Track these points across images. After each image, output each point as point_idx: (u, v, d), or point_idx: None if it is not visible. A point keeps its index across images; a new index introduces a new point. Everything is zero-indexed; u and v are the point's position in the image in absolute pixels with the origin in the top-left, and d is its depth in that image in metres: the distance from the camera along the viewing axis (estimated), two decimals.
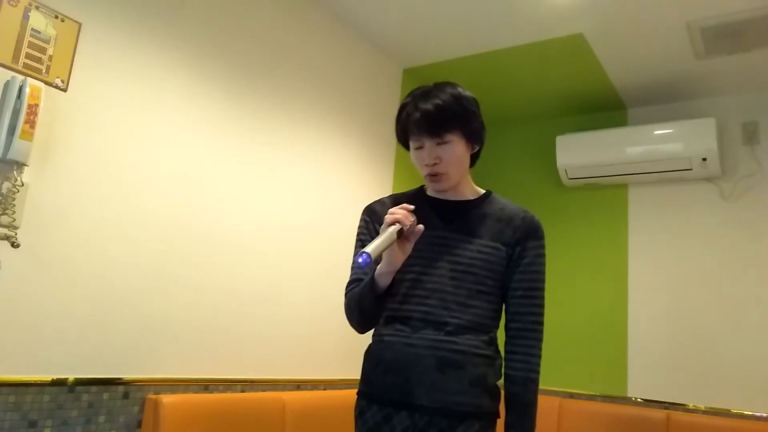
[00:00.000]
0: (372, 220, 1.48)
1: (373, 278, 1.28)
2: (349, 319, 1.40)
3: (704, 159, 3.03)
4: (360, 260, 1.12)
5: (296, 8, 2.64)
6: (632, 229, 3.39)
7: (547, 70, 3.19)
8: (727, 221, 3.12)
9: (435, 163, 1.38)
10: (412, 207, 1.27)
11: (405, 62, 3.28)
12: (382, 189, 3.10)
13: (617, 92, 3.36)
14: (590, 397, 3.25)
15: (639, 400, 3.14)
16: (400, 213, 1.23)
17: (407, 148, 1.45)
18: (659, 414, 2.93)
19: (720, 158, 3.05)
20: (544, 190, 3.70)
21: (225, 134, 2.28)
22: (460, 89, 1.41)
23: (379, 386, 1.36)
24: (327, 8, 2.79)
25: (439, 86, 1.41)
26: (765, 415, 2.81)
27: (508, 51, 3.01)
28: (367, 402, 1.38)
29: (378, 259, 1.25)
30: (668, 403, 3.04)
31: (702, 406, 2.96)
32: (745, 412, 2.85)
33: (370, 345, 1.44)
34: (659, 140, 3.14)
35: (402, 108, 1.43)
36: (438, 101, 1.36)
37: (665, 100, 3.38)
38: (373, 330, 1.44)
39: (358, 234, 1.49)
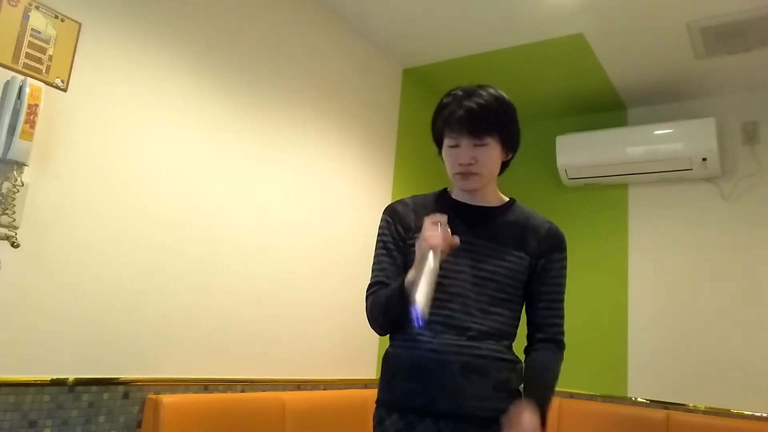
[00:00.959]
0: (394, 220, 1.44)
1: (402, 286, 1.26)
2: (371, 322, 1.38)
3: (704, 159, 3.03)
4: (417, 324, 1.08)
5: (296, 8, 2.64)
6: (632, 229, 3.39)
7: (547, 70, 3.19)
8: (727, 221, 3.12)
9: (470, 163, 1.36)
10: (444, 220, 1.24)
11: (405, 62, 3.27)
12: (382, 189, 3.10)
13: (617, 92, 3.36)
14: (590, 397, 3.25)
15: (639, 400, 3.13)
16: (438, 239, 1.20)
17: (440, 146, 1.43)
18: (659, 414, 2.93)
19: (720, 158, 3.05)
20: (544, 190, 3.70)
21: (225, 134, 2.28)
22: (502, 92, 1.41)
23: (400, 393, 1.33)
24: (327, 8, 2.79)
25: (482, 87, 1.40)
26: (765, 415, 2.81)
27: (508, 51, 3.01)
28: (387, 410, 1.34)
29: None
30: (668, 403, 3.04)
31: (702, 406, 2.96)
32: (745, 412, 2.85)
33: (387, 350, 1.41)
34: (659, 140, 3.14)
35: (443, 106, 1.40)
36: (482, 101, 1.35)
37: (665, 100, 3.38)
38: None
39: (379, 234, 1.45)
